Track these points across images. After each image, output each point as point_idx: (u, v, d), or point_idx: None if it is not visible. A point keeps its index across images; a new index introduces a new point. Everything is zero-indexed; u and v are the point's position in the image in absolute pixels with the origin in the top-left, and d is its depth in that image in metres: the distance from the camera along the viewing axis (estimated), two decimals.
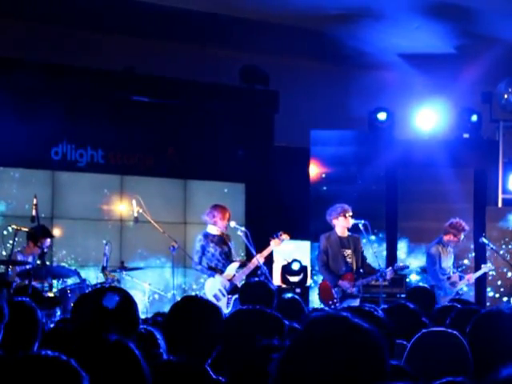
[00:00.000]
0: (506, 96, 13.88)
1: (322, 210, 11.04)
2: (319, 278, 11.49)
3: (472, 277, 11.67)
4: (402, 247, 13.75)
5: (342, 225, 10.54)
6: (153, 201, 11.71)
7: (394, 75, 14.05)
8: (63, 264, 11.97)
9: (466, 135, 14.06)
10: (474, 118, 13.99)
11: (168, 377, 3.59)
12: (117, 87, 12.74)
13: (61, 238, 12.15)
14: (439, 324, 4.69)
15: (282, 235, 10.30)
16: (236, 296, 9.75)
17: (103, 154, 12.74)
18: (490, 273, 12.99)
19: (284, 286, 12.89)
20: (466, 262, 13.48)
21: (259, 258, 9.96)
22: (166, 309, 5.45)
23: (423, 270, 12.80)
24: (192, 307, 4.06)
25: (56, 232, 11.87)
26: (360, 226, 10.41)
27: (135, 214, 10.58)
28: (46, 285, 9.33)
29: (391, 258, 13.24)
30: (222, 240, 10.33)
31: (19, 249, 9.92)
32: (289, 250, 13.25)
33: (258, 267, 10.03)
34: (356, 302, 10.05)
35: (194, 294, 11.83)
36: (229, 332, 3.79)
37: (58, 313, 8.80)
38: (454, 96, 13.69)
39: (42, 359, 2.04)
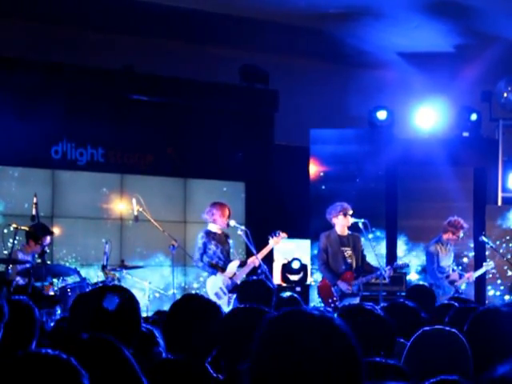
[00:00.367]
0: (505, 95, 13.89)
1: (321, 209, 11.05)
2: (319, 277, 11.49)
3: (472, 275, 11.66)
4: (401, 246, 13.76)
5: (341, 223, 10.54)
6: (153, 199, 11.72)
7: (393, 74, 14.05)
8: (63, 263, 11.98)
9: (465, 134, 14.06)
10: (474, 116, 13.99)
11: (167, 375, 3.60)
12: (116, 86, 12.74)
13: (61, 237, 12.16)
14: (438, 322, 4.69)
15: (280, 234, 10.31)
16: None
17: (103, 153, 12.75)
18: (491, 271, 13.00)
19: (284, 284, 12.90)
20: (465, 260, 13.49)
21: (259, 258, 9.97)
22: (166, 307, 5.46)
23: (423, 269, 12.82)
24: (192, 306, 4.07)
25: (56, 231, 11.87)
26: (360, 224, 10.42)
27: (135, 213, 10.58)
28: (45, 283, 9.33)
29: (391, 256, 13.25)
30: (222, 238, 10.34)
31: (19, 247, 9.92)
32: (289, 249, 13.27)
33: (258, 266, 10.05)
34: (356, 301, 10.05)
35: (193, 292, 11.84)
36: (226, 330, 3.80)
37: (59, 311, 8.81)
38: (454, 95, 13.69)
39: (42, 358, 2.04)
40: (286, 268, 13.06)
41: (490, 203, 13.94)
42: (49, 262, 10.57)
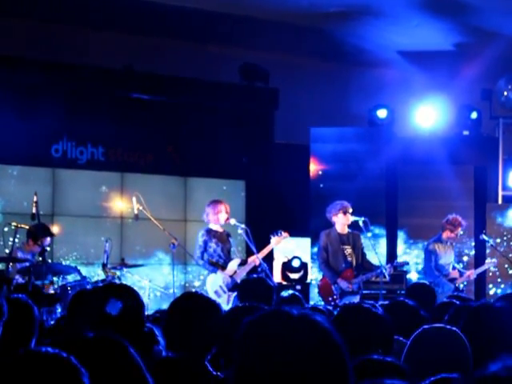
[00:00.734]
0: (505, 93, 13.89)
1: (322, 207, 11.05)
2: (319, 275, 11.50)
3: (473, 273, 11.67)
4: (401, 244, 13.76)
5: (341, 222, 10.55)
6: (153, 198, 11.72)
7: (393, 72, 14.05)
8: (64, 261, 11.98)
9: (465, 132, 14.07)
10: (474, 115, 13.99)
11: (167, 373, 3.61)
12: (117, 85, 12.74)
13: (61, 235, 12.16)
14: (438, 321, 4.69)
15: (282, 233, 10.30)
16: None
17: (103, 152, 12.75)
18: (491, 269, 13.00)
19: (284, 282, 12.91)
20: (465, 258, 13.50)
21: (259, 257, 9.97)
22: (167, 306, 5.46)
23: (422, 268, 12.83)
24: (191, 304, 4.07)
25: (56, 229, 11.88)
26: (360, 222, 10.43)
27: (135, 212, 10.58)
28: (46, 282, 9.34)
29: (391, 254, 13.26)
30: (223, 237, 10.34)
31: (18, 246, 9.92)
32: (289, 247, 13.27)
33: (258, 264, 10.05)
34: (356, 299, 10.05)
35: (194, 290, 11.85)
36: (226, 329, 3.80)
37: (59, 310, 8.82)
38: (454, 93, 13.69)
39: (41, 356, 2.04)
40: (287, 266, 13.07)
41: (490, 201, 13.95)
42: (49, 261, 10.58)
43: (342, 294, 10.32)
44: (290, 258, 13.16)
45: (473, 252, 13.59)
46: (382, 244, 13.51)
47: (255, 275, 8.52)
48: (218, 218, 10.26)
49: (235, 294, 9.89)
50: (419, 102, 14.01)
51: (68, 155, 12.52)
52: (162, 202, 12.66)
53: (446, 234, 11.34)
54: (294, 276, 13.03)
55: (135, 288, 3.98)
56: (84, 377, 2.04)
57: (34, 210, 9.40)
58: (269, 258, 11.30)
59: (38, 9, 12.07)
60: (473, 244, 13.56)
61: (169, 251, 10.90)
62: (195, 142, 13.24)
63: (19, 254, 9.78)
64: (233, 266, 10.22)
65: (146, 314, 8.06)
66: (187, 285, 13.11)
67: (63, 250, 12.30)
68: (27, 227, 9.72)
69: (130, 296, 3.77)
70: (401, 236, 13.76)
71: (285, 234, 10.32)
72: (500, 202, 14.03)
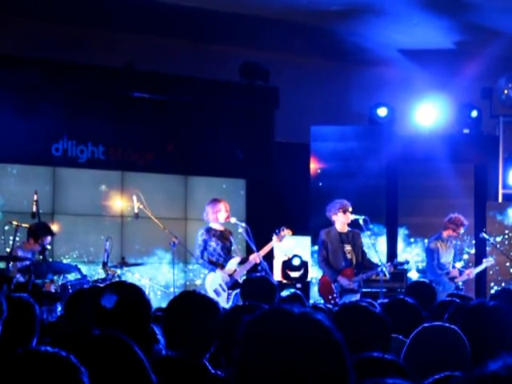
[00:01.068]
0: (506, 91, 13.89)
1: (322, 206, 11.05)
2: (319, 274, 11.50)
3: (473, 271, 11.67)
4: (402, 242, 13.77)
5: (341, 221, 10.55)
6: (153, 197, 11.73)
7: (394, 71, 14.05)
8: (64, 260, 11.99)
9: (466, 131, 14.07)
10: (474, 113, 14.00)
11: (167, 372, 3.61)
12: (117, 83, 12.75)
13: (62, 234, 12.16)
14: (438, 319, 4.70)
15: (283, 231, 10.28)
16: (236, 291, 9.76)
17: (104, 150, 12.76)
18: (492, 267, 13.01)
19: (285, 281, 12.91)
20: (465, 257, 13.50)
21: (260, 255, 9.97)
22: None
23: (423, 267, 12.83)
24: (189, 303, 4.07)
25: (57, 228, 11.88)
26: (360, 221, 10.43)
27: (136, 210, 10.59)
28: (46, 280, 9.34)
29: (391, 253, 13.26)
30: (223, 235, 10.34)
31: (19, 244, 9.92)
32: (289, 246, 13.27)
33: (258, 262, 10.05)
34: (356, 297, 10.05)
35: (194, 289, 11.84)
36: (226, 328, 3.80)
37: (59, 308, 8.83)
38: (454, 91, 13.69)
39: (41, 355, 2.04)
40: (287, 265, 13.07)
41: (490, 200, 13.96)
42: (50, 259, 10.59)
43: (341, 292, 10.32)
44: (290, 256, 13.16)
45: (473, 250, 13.59)
46: (383, 242, 13.52)
47: (257, 274, 8.52)
48: (217, 216, 10.26)
49: (235, 292, 9.90)
50: (419, 100, 14.01)
51: (68, 154, 12.53)
52: (163, 200, 12.67)
53: (447, 233, 11.34)
54: (295, 274, 13.03)
55: None
56: (83, 376, 2.04)
57: (34, 209, 9.40)
58: (269, 257, 11.30)
59: (38, 8, 12.07)
60: (473, 242, 13.56)
61: (169, 250, 10.90)
62: (195, 141, 13.25)
63: (20, 253, 9.79)
64: (232, 264, 10.21)
65: None
66: (188, 283, 13.12)
67: (63, 248, 12.31)
68: (27, 226, 9.73)
69: (127, 290, 3.77)
70: (401, 234, 13.77)
71: (286, 231, 10.29)
72: (500, 200, 14.03)
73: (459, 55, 13.81)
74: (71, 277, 10.06)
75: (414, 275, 13.13)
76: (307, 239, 13.54)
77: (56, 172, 12.44)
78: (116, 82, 12.74)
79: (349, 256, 10.50)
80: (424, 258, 12.24)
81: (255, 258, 10.05)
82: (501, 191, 14.04)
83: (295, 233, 10.90)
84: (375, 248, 10.74)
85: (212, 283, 10.14)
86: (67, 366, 2.03)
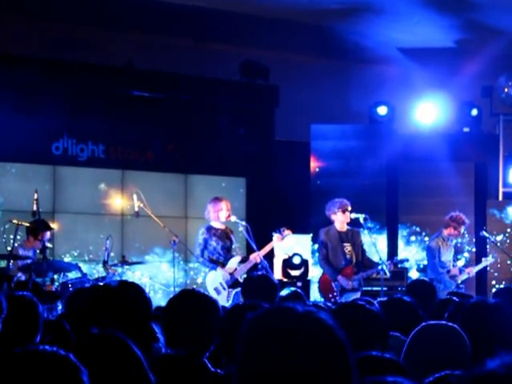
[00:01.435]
0: (506, 90, 13.89)
1: (322, 204, 11.06)
2: (319, 272, 11.50)
3: (473, 270, 11.68)
4: (402, 241, 13.77)
5: (340, 220, 10.57)
6: (154, 195, 11.73)
7: (394, 69, 14.06)
8: (65, 258, 11.99)
9: (466, 129, 14.08)
10: (475, 111, 14.00)
11: (167, 370, 3.62)
12: (117, 82, 12.74)
13: (62, 233, 12.17)
14: (438, 317, 4.70)
15: (284, 231, 10.29)
16: (236, 290, 9.78)
17: (104, 149, 12.75)
18: (493, 265, 13.01)
19: (285, 279, 12.90)
20: (466, 255, 13.51)
21: (260, 254, 9.97)
22: None
23: (423, 265, 12.83)
24: (189, 301, 4.08)
25: (57, 226, 11.89)
26: (361, 219, 10.44)
27: (136, 209, 10.59)
28: (47, 279, 9.35)
29: (392, 251, 13.26)
30: (224, 234, 10.33)
31: (18, 243, 9.92)
32: (290, 244, 13.26)
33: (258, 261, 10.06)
34: (356, 296, 10.05)
35: (194, 287, 11.84)
36: (226, 327, 3.81)
37: (60, 307, 8.83)
38: (455, 90, 13.69)
39: (39, 354, 2.04)
40: (287, 263, 13.06)
41: (490, 198, 13.96)
42: (50, 258, 10.59)
43: (342, 290, 10.33)
44: (290, 254, 13.16)
45: (474, 249, 13.59)
46: (383, 241, 13.52)
47: (258, 272, 8.52)
48: (219, 215, 10.26)
49: (235, 291, 9.91)
50: (420, 98, 14.01)
51: (69, 152, 12.53)
52: (163, 199, 12.66)
53: (448, 231, 11.34)
54: (295, 273, 13.02)
55: None
56: (83, 375, 2.04)
57: (34, 208, 9.41)
58: (269, 255, 11.30)
59: (38, 6, 12.07)
60: (473, 240, 13.57)
61: (169, 248, 10.90)
62: (196, 139, 13.25)
63: (20, 252, 9.79)
64: (233, 263, 10.22)
65: None
66: (189, 282, 13.12)
67: (64, 247, 12.30)
68: (28, 224, 9.73)
69: (136, 292, 3.78)
70: (401, 233, 13.77)
71: (287, 232, 10.30)
72: (500, 198, 14.04)
73: (459, 54, 13.81)
74: (72, 275, 10.06)
75: (414, 275, 13.13)
76: (307, 238, 13.54)
77: (56, 171, 12.44)
78: (116, 80, 12.74)
79: (348, 255, 10.51)
80: (424, 256, 12.25)
81: (255, 257, 10.05)
82: (501, 189, 14.04)
83: (296, 231, 10.90)
84: (376, 246, 10.74)
85: (212, 281, 10.14)
86: (66, 366, 2.03)
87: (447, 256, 11.35)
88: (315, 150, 13.73)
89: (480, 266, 11.97)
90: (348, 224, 10.62)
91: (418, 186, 13.57)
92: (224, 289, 10.09)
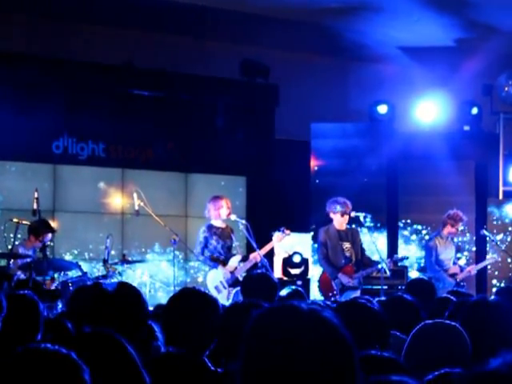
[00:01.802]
0: (506, 88, 13.88)
1: (322, 203, 11.07)
2: (319, 271, 11.51)
3: (474, 268, 11.68)
4: (402, 239, 13.77)
5: (338, 221, 10.61)
6: (154, 194, 11.73)
7: (394, 68, 14.05)
8: (65, 257, 12.00)
9: (466, 128, 14.07)
10: (475, 110, 13.99)
11: (166, 369, 3.62)
12: (117, 81, 12.74)
13: (62, 231, 12.17)
14: (438, 316, 4.70)
15: (284, 231, 10.30)
16: (237, 289, 9.77)
17: (104, 148, 12.76)
18: (494, 264, 13.01)
19: (285, 278, 12.91)
20: (466, 253, 13.51)
21: (260, 253, 9.97)
22: None
23: (422, 264, 12.84)
24: (189, 299, 4.08)
25: (57, 225, 11.89)
26: (361, 218, 10.46)
27: (136, 207, 10.60)
28: (47, 278, 9.35)
29: (392, 250, 13.26)
30: (225, 233, 10.34)
31: (19, 242, 9.92)
32: (290, 243, 13.27)
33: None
34: (356, 294, 10.06)
35: (194, 286, 11.83)
36: (225, 325, 3.81)
37: (60, 305, 8.83)
38: (455, 88, 13.68)
39: (41, 353, 2.04)
40: (287, 262, 13.07)
41: (491, 197, 13.96)
42: (50, 257, 10.59)
43: (342, 289, 10.33)
44: (290, 253, 13.16)
45: (474, 247, 13.59)
46: (383, 239, 13.52)
47: (258, 271, 8.52)
48: (220, 213, 10.27)
49: (235, 290, 9.91)
50: (420, 97, 14.00)
51: (69, 151, 12.53)
52: (163, 197, 12.67)
53: (446, 230, 11.35)
54: (295, 271, 13.03)
55: (136, 284, 4.00)
56: (85, 373, 2.04)
57: (34, 206, 9.41)
58: (269, 254, 11.30)
59: (38, 4, 12.06)
60: (474, 239, 13.57)
61: (170, 247, 10.90)
62: (196, 138, 13.25)
63: (21, 250, 9.79)
64: (234, 262, 10.23)
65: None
66: (189, 280, 13.12)
67: (64, 245, 12.31)
68: (28, 223, 9.73)
69: (131, 292, 3.78)
70: (401, 232, 13.77)
71: (287, 232, 10.32)
72: (501, 197, 14.03)
73: (459, 52, 13.79)
74: (72, 274, 10.07)
75: (414, 275, 13.12)
76: (308, 236, 13.55)
77: (56, 169, 12.44)
78: (116, 79, 12.73)
79: (348, 254, 10.52)
80: (423, 255, 12.25)
81: (256, 256, 10.06)
82: (501, 188, 14.04)
83: (296, 230, 10.91)
84: (376, 245, 10.75)
85: (213, 280, 10.15)
86: (68, 364, 2.03)
87: (446, 254, 11.34)
88: (315, 148, 13.73)
89: (482, 265, 11.97)
90: (347, 223, 10.64)
91: (418, 184, 13.57)
92: (224, 287, 10.09)
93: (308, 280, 12.98)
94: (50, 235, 10.09)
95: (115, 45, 12.73)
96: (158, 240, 12.50)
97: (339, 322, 2.02)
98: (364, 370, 2.32)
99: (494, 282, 13.50)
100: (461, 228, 11.60)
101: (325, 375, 1.95)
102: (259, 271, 8.20)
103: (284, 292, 6.82)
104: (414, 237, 13.74)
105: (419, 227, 13.67)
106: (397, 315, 4.74)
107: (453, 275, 11.22)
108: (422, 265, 13.10)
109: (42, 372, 1.99)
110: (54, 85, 12.03)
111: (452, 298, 6.17)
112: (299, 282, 12.48)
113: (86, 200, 12.53)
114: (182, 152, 13.23)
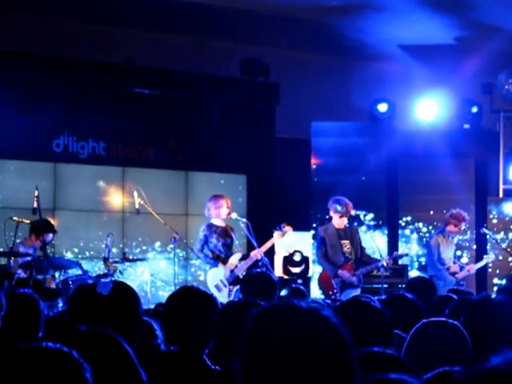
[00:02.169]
0: (506, 87, 13.89)
1: (323, 201, 11.08)
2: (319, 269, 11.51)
3: (473, 267, 11.69)
4: (402, 237, 13.77)
5: (337, 221, 10.62)
6: (154, 192, 11.73)
7: (394, 66, 14.05)
8: (65, 256, 12.00)
9: (466, 126, 14.08)
10: (475, 108, 14.00)
11: (165, 367, 3.62)
12: (118, 79, 12.74)
13: (63, 230, 12.16)
14: (439, 314, 4.70)
15: (284, 227, 10.29)
16: (237, 287, 9.77)
17: (104, 146, 12.75)
18: (493, 263, 13.01)
19: (286, 276, 12.91)
20: (466, 252, 13.51)
21: (261, 251, 9.97)
22: None
23: (423, 262, 12.84)
24: (188, 298, 4.08)
25: (58, 224, 11.89)
26: (361, 216, 10.47)
27: (137, 206, 10.59)
28: (47, 276, 9.36)
29: (392, 248, 13.26)
30: (225, 231, 10.34)
31: (19, 240, 9.93)
32: (290, 241, 13.27)
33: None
34: (357, 292, 10.06)
35: (193, 284, 11.83)
36: (223, 324, 3.81)
37: (60, 304, 8.84)
38: (455, 87, 13.69)
39: (43, 351, 2.04)
40: (288, 260, 13.07)
41: (491, 195, 13.97)
42: (51, 255, 10.60)
43: (342, 287, 10.33)
44: (291, 251, 13.16)
45: (474, 246, 13.60)
46: (383, 237, 13.53)
47: (258, 269, 8.52)
48: (220, 212, 10.27)
49: (236, 288, 9.91)
50: (420, 95, 14.01)
51: (69, 150, 12.52)
52: (164, 196, 12.67)
53: (449, 228, 11.35)
54: (296, 270, 13.03)
55: (137, 282, 4.01)
56: (86, 372, 2.04)
57: (35, 205, 9.40)
58: (270, 252, 11.31)
59: (38, 3, 12.06)
60: (474, 238, 13.57)
61: (170, 245, 10.90)
62: (196, 137, 13.24)
63: (21, 249, 9.79)
64: (234, 260, 10.23)
65: (148, 307, 8.09)
66: (190, 278, 13.13)
67: (65, 244, 12.31)
68: (29, 222, 9.73)
69: (121, 283, 3.78)
70: (402, 229, 13.77)
71: (287, 228, 10.31)
72: (501, 195, 14.04)
73: (459, 51, 13.79)
74: (72, 272, 10.07)
75: (415, 274, 13.12)
76: (308, 235, 13.55)
77: (57, 168, 12.44)
78: (116, 77, 12.73)
79: (347, 252, 10.52)
80: (425, 253, 12.25)
81: (256, 254, 10.05)
82: (501, 186, 14.05)
83: (296, 228, 10.91)
84: (375, 243, 10.76)
85: (213, 278, 10.15)
86: (69, 362, 2.03)
87: (447, 253, 11.35)
88: (316, 147, 13.74)
89: (481, 264, 11.97)
90: (348, 220, 10.65)
91: (418, 182, 13.58)
92: (225, 286, 10.09)
93: (309, 278, 12.98)
94: (51, 235, 10.10)
95: (115, 43, 12.73)
96: (158, 238, 12.50)
97: (338, 321, 2.02)
98: (366, 366, 2.32)
99: (495, 280, 13.50)
100: (463, 227, 11.61)
101: (323, 373, 1.96)
102: (259, 270, 8.20)
103: (284, 293, 6.82)
104: (414, 235, 13.75)
105: (420, 225, 13.68)
106: (397, 313, 4.73)
107: (453, 274, 11.23)
108: (423, 263, 13.11)
109: (43, 370, 1.99)
110: (55, 83, 12.03)
111: (453, 296, 6.17)
112: (300, 281, 12.48)
113: (86, 198, 12.53)
114: (182, 150, 13.23)
